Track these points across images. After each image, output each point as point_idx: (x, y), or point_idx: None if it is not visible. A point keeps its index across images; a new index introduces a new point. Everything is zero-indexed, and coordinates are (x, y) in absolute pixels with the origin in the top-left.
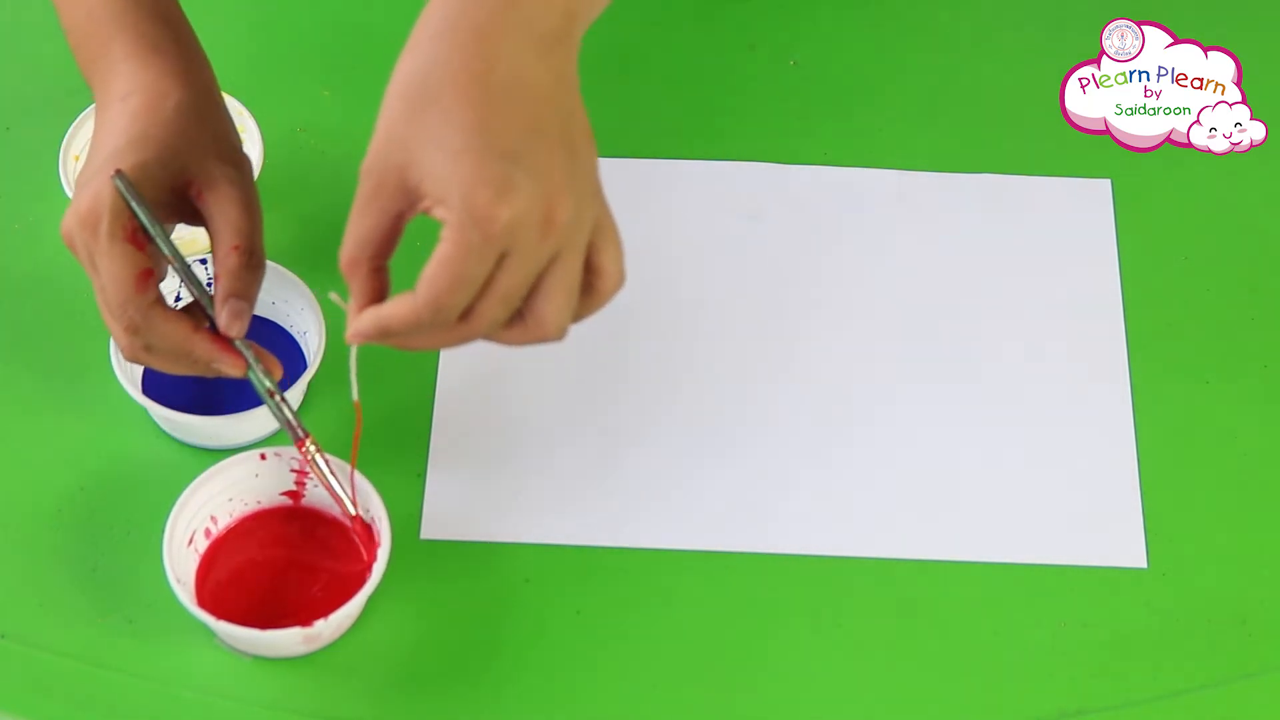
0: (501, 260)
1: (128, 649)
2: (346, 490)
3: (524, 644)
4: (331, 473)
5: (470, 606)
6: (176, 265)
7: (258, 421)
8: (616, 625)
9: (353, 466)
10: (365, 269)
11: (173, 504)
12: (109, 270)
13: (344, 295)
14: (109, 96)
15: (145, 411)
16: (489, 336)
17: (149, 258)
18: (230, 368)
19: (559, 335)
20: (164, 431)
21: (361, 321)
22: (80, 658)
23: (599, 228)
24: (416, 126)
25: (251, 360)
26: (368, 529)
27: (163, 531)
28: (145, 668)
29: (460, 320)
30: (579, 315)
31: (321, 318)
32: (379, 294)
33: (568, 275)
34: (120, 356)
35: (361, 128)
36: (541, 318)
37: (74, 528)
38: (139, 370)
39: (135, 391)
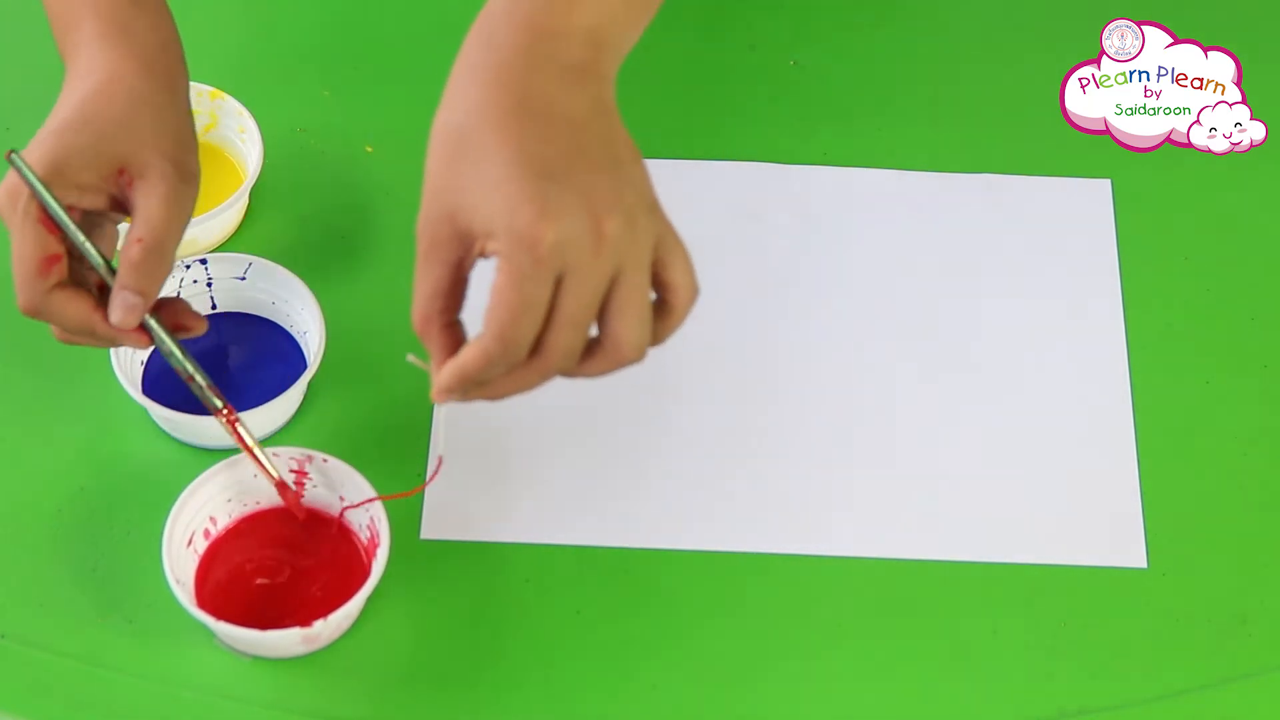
0: (559, 283)
1: (128, 649)
2: (266, 459)
3: (524, 644)
4: (252, 443)
5: (470, 606)
6: (80, 251)
7: (257, 421)
8: (616, 625)
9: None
10: (438, 325)
11: (172, 504)
12: (17, 248)
13: (422, 356)
14: (73, 74)
15: (145, 411)
16: (570, 371)
17: (61, 243)
18: (133, 344)
19: (638, 356)
20: (164, 431)
21: (443, 377)
22: (80, 658)
23: (663, 243)
24: (457, 170)
25: (167, 340)
26: (294, 495)
27: (162, 532)
28: (145, 668)
29: (534, 355)
30: (658, 336)
31: (321, 318)
32: (455, 348)
33: (635, 292)
34: (120, 357)
35: (361, 128)
36: (617, 339)
37: (74, 528)
38: (139, 370)
39: (135, 391)
